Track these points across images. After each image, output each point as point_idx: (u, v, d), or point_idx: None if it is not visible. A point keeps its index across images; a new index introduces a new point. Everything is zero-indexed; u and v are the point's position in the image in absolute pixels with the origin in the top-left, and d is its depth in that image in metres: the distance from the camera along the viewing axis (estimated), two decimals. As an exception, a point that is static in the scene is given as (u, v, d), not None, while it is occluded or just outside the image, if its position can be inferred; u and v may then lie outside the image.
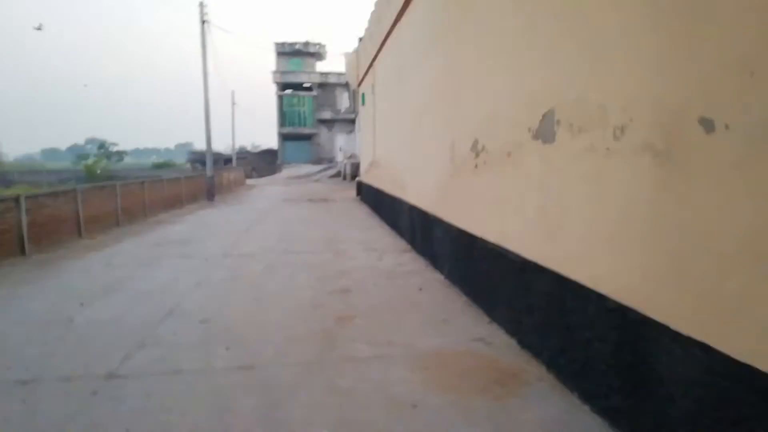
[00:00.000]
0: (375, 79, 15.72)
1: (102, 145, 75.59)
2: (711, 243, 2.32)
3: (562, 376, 3.76)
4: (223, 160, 50.73)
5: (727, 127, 2.22)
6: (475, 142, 5.72)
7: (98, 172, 48.81)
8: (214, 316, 5.66)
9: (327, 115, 53.26)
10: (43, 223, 10.29)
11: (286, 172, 46.54)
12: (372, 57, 15.71)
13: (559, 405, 3.46)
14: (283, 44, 53.61)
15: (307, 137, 54.00)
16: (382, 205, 14.22)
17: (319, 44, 54.73)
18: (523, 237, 4.47)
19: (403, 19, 10.31)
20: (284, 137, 53.76)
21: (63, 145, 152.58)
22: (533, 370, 4.06)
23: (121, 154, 76.69)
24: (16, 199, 9.57)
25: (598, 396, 3.23)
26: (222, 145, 70.36)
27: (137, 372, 4.18)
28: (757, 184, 2.08)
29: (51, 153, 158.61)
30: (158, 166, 58.93)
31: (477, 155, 5.67)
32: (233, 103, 50.22)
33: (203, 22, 22.55)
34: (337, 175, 41.76)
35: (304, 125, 53.84)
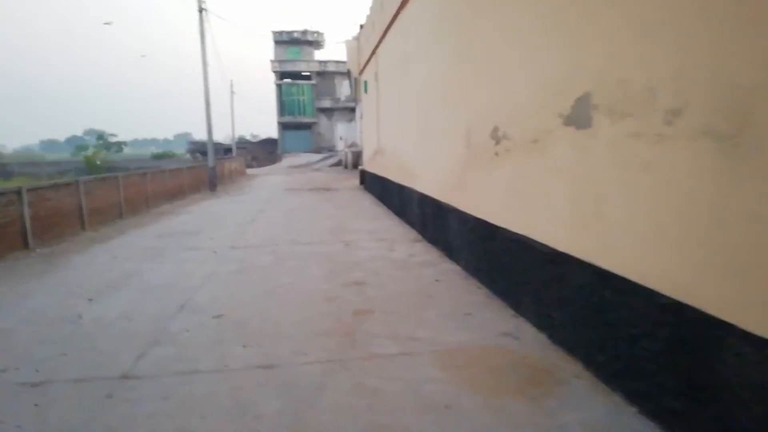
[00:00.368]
0: (378, 67, 15.44)
1: (101, 136, 75.31)
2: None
3: (602, 375, 3.58)
4: (222, 150, 50.41)
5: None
6: (495, 129, 5.50)
7: (98, 163, 48.48)
8: (227, 310, 5.48)
9: (326, 103, 52.91)
10: (45, 216, 10.06)
11: (286, 162, 46.27)
12: (374, 44, 15.42)
13: (603, 406, 3.27)
14: (281, 33, 53.15)
15: (307, 126, 53.67)
16: (389, 193, 14.00)
17: (317, 32, 54.28)
18: (553, 227, 4.27)
19: (410, 4, 10.04)
20: (284, 126, 53.44)
21: (62, 136, 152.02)
22: (569, 367, 3.87)
23: (120, 145, 76.42)
24: (18, 192, 9.34)
25: (649, 397, 3.04)
26: (221, 134, 70.04)
27: (152, 372, 3.99)
28: None
29: (50, 144, 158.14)
30: (158, 157, 58.60)
31: (497, 142, 5.46)
32: (232, 93, 49.84)
33: (201, 10, 22.17)
34: (338, 164, 41.53)
35: (304, 114, 53.50)
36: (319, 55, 55.29)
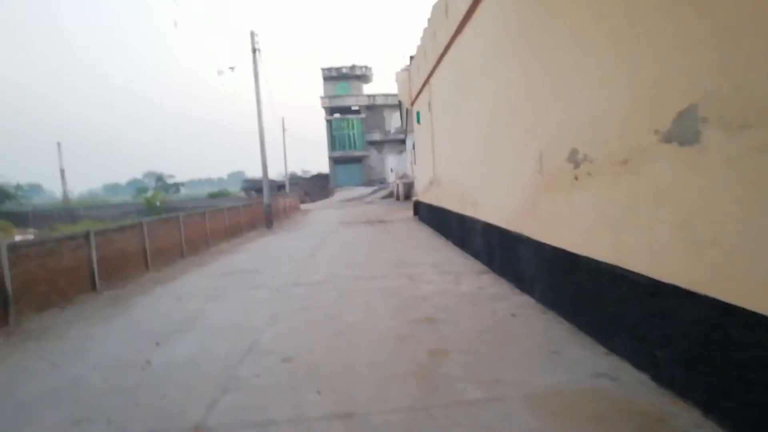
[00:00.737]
0: (432, 96, 15.32)
1: (159, 178, 78.52)
2: None
3: (729, 424, 3.10)
4: (276, 187, 51.43)
5: None
6: (574, 152, 5.15)
7: (158, 204, 50.35)
8: (296, 353, 5.25)
9: (376, 136, 53.46)
10: (111, 257, 10.28)
11: (338, 196, 46.72)
12: (427, 74, 15.35)
13: (742, 464, 2.82)
14: (329, 69, 54.43)
15: (358, 160, 54.27)
16: (447, 224, 13.68)
17: (364, 67, 55.30)
18: (653, 256, 3.85)
19: (465, 29, 9.87)
20: (335, 161, 54.25)
21: (123, 179, 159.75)
22: (684, 414, 3.40)
23: (177, 186, 79.36)
24: (86, 236, 9.58)
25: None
26: (273, 171, 71.43)
27: (226, 424, 3.77)
28: None
29: (112, 188, 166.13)
30: (214, 196, 60.35)
31: (577, 166, 5.09)
32: (284, 130, 50.99)
33: (255, 50, 22.85)
34: (390, 195, 41.58)
35: (354, 148, 54.19)
36: (367, 88, 56.22)
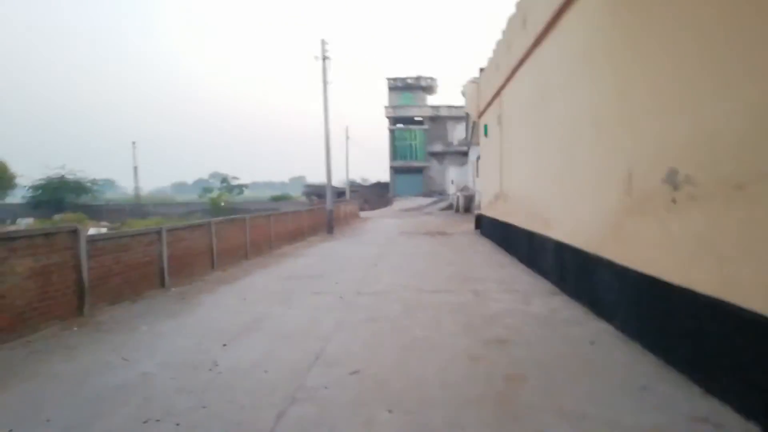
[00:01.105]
0: (502, 109, 14.96)
1: (224, 179, 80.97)
2: None
3: None
4: (336, 194, 51.99)
5: None
6: (672, 172, 4.77)
7: (222, 204, 51.91)
8: (364, 366, 5.10)
9: (438, 148, 53.22)
10: (180, 255, 10.51)
11: (397, 205, 46.71)
12: (498, 86, 15.01)
13: None
14: (395, 79, 54.68)
15: (418, 170, 54.15)
16: (513, 240, 13.27)
17: (430, 78, 55.24)
18: (772, 292, 3.45)
19: (545, 41, 9.54)
20: (395, 170, 54.33)
21: (190, 179, 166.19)
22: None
23: (241, 188, 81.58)
24: (159, 232, 9.83)
25: None
26: (334, 178, 72.41)
27: (296, 436, 3.65)
28: None
29: (180, 186, 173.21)
30: (276, 199, 61.63)
31: (676, 188, 4.71)
32: (347, 138, 51.56)
33: (324, 58, 23.13)
34: (449, 207, 41.19)
35: (415, 158, 54.13)
36: (431, 99, 56.13)
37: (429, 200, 47.06)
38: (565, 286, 8.46)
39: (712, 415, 3.82)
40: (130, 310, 7.91)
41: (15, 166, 56.43)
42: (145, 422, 3.96)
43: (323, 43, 23.11)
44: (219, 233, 12.41)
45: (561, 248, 8.62)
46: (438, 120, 53.59)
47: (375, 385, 4.60)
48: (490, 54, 16.37)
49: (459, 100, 50.23)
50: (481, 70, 19.70)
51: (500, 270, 11.18)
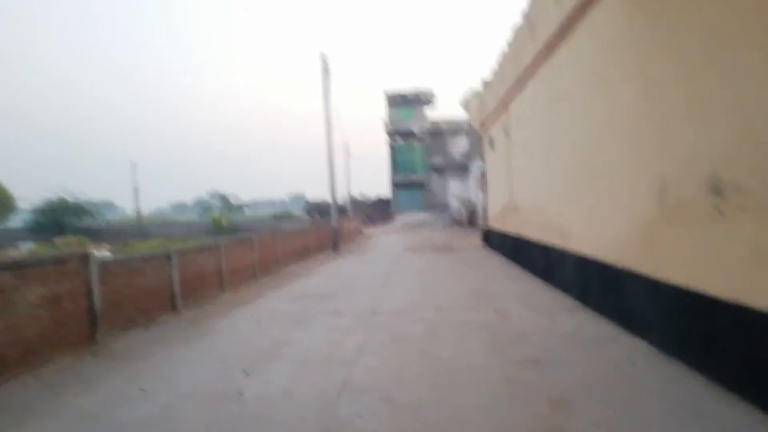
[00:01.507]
0: (510, 120, 14.82)
1: (224, 199, 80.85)
2: None
3: None
4: (338, 210, 51.77)
5: None
6: (715, 179, 4.55)
7: (224, 224, 51.61)
8: (396, 392, 4.84)
9: (438, 161, 53.10)
10: (191, 278, 10.26)
11: (399, 221, 46.53)
12: (505, 98, 14.88)
13: None
14: (394, 95, 54.73)
15: (419, 184, 54.06)
16: (525, 253, 13.02)
17: (428, 92, 55.27)
18: None
19: (560, 48, 9.38)
20: (396, 185, 54.19)
21: (189, 199, 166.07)
22: None
23: (241, 207, 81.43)
24: (168, 256, 9.58)
25: None
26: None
27: (337, 475, 3.39)
28: None
29: (179, 207, 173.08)
30: (278, 217, 61.23)
31: (720, 196, 4.49)
32: (348, 154, 51.47)
33: (325, 71, 23.03)
34: (451, 222, 40.95)
35: (416, 172, 54.04)
36: (429, 112, 56.16)
37: (431, 215, 46.86)
38: (588, 301, 8.21)
39: (780, 441, 3.57)
40: (144, 337, 7.64)
41: (15, 189, 56.11)
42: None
43: (323, 57, 23.03)
44: (228, 254, 12.16)
45: (582, 262, 8.38)
46: (437, 134, 53.57)
47: (411, 414, 4.33)
48: (489, 65, 16.29)
49: (457, 112, 50.21)
50: (484, 82, 19.58)
51: (516, 285, 10.93)
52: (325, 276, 14.15)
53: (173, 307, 9.39)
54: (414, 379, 5.21)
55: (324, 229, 23.01)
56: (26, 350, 5.99)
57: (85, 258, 7.12)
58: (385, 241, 26.95)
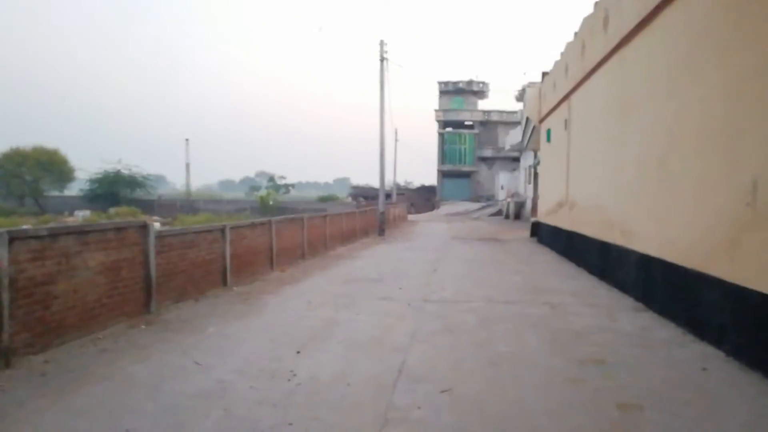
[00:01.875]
0: (571, 114, 14.29)
1: (271, 179, 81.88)
2: None
3: None
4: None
5: None
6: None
7: (271, 203, 52.39)
8: (453, 383, 4.67)
9: (488, 152, 52.39)
10: (242, 254, 10.34)
11: (443, 209, 46.16)
12: (567, 90, 14.35)
13: None
14: (446, 83, 54.20)
15: (466, 174, 53.47)
16: (581, 250, 12.58)
17: (482, 83, 54.49)
18: None
19: (634, 41, 8.88)
20: (443, 174, 53.76)
21: (236, 177, 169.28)
22: None
23: (288, 187, 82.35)
24: (222, 230, 9.65)
25: None
26: (376, 181, 72.36)
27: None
28: None
29: (227, 184, 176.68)
30: (323, 200, 61.75)
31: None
32: (396, 141, 51.23)
33: (382, 59, 22.87)
34: (498, 213, 40.34)
35: (464, 163, 53.48)
36: (482, 104, 55.30)
37: (476, 205, 46.21)
38: (651, 302, 7.81)
39: None
40: (195, 309, 7.73)
41: (73, 160, 58.26)
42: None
43: (382, 44, 22.85)
44: (278, 232, 12.22)
45: (647, 262, 7.98)
46: (488, 125, 52.72)
47: (471, 408, 4.16)
48: (547, 59, 15.74)
49: (511, 105, 49.22)
50: (545, 74, 19.00)
51: (570, 281, 10.57)
52: (371, 260, 14.09)
53: (224, 282, 9.47)
54: (471, 372, 5.03)
55: (370, 213, 22.98)
56: (85, 315, 6.10)
57: (143, 228, 7.22)
58: (430, 229, 26.72)
